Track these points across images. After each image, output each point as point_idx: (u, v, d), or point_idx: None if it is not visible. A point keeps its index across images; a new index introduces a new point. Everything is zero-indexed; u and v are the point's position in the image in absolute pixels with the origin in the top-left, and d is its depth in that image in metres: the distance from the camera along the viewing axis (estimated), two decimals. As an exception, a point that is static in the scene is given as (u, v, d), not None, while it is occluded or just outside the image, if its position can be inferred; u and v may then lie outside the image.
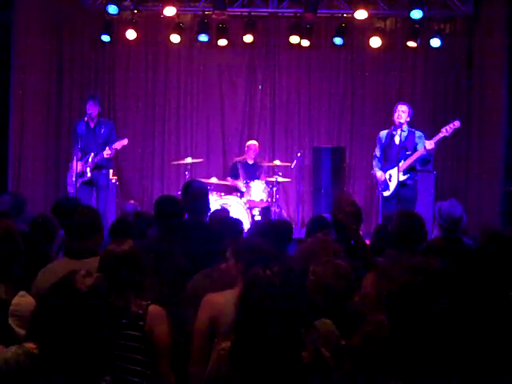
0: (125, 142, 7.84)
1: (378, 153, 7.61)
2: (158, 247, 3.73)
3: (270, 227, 4.29)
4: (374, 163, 7.63)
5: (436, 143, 7.25)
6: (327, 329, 2.64)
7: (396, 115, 7.30)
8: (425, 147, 7.14)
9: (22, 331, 2.68)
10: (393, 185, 7.30)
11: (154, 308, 2.84)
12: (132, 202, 7.63)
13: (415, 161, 7.27)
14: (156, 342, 2.78)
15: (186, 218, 4.46)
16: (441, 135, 7.24)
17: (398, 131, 7.26)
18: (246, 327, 2.20)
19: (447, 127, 7.22)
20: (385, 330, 2.19)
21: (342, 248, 3.66)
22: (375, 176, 7.56)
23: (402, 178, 7.17)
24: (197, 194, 4.71)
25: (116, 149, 7.81)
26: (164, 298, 3.16)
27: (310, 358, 2.21)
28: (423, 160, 7.33)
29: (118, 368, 2.74)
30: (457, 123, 7.23)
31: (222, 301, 2.96)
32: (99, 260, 2.98)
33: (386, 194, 7.39)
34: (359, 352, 2.27)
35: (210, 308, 2.99)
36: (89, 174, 7.81)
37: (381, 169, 7.52)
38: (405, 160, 7.17)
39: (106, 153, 7.73)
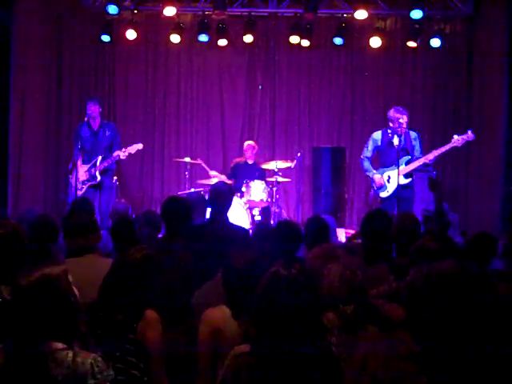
0: (140, 146, 7.90)
1: (368, 153, 7.63)
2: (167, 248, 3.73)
3: (279, 231, 4.30)
4: (366, 165, 7.63)
5: (442, 153, 7.29)
6: (330, 321, 2.68)
7: (401, 123, 7.26)
8: (431, 154, 7.19)
9: None
10: (391, 186, 7.35)
11: (148, 312, 2.86)
12: (123, 200, 7.66)
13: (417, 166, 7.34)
14: (147, 345, 2.78)
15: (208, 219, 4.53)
16: (450, 145, 7.25)
17: (396, 136, 7.28)
18: (269, 327, 2.20)
19: (459, 138, 7.22)
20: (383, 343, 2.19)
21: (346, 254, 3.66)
22: (372, 179, 7.57)
23: (404, 181, 7.22)
24: (219, 194, 4.79)
25: (130, 153, 7.85)
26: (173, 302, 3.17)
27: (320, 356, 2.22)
28: (423, 164, 7.39)
29: (117, 370, 2.74)
30: (470, 135, 7.22)
31: (221, 314, 2.95)
32: (113, 262, 3.01)
33: (384, 194, 7.44)
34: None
35: (210, 322, 2.95)
36: (99, 178, 7.82)
37: (374, 168, 7.55)
38: (405, 164, 7.20)
39: (124, 154, 7.77)
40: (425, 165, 7.34)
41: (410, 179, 7.33)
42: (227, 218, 4.87)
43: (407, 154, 7.35)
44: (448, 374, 1.82)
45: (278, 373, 2.16)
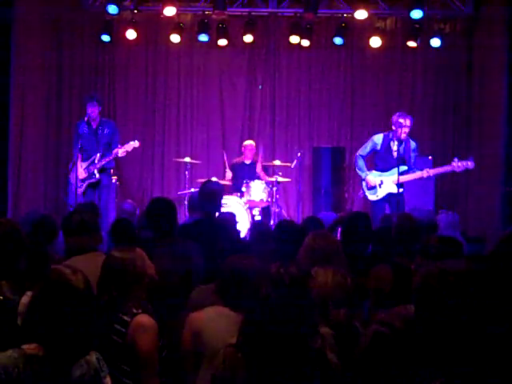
0: (136, 144, 7.88)
1: (363, 152, 7.70)
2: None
3: (279, 231, 4.31)
4: (360, 163, 7.68)
5: (439, 174, 7.38)
6: (325, 332, 2.66)
7: (402, 130, 7.30)
8: (427, 172, 7.26)
9: None
10: (382, 192, 7.45)
11: (141, 318, 2.80)
12: (130, 201, 7.67)
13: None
14: (137, 352, 2.74)
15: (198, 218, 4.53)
16: (449, 168, 7.31)
17: (396, 142, 7.33)
18: (252, 323, 2.21)
19: (459, 164, 7.25)
20: (382, 338, 2.18)
21: (341, 245, 3.67)
22: (364, 179, 7.61)
23: (396, 190, 7.31)
24: (209, 195, 4.79)
25: (127, 150, 7.84)
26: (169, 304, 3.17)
27: (316, 362, 2.22)
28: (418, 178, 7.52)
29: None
30: (471, 164, 7.25)
31: (203, 316, 2.95)
32: (102, 264, 2.99)
33: (372, 198, 7.54)
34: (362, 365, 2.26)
35: (191, 326, 2.95)
36: (97, 176, 7.82)
37: (367, 169, 7.61)
38: (400, 174, 7.21)
39: (122, 152, 7.76)
40: (420, 179, 7.45)
41: (401, 189, 7.36)
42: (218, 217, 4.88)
43: (404, 164, 7.40)
44: (465, 371, 1.81)
45: (260, 366, 2.17)
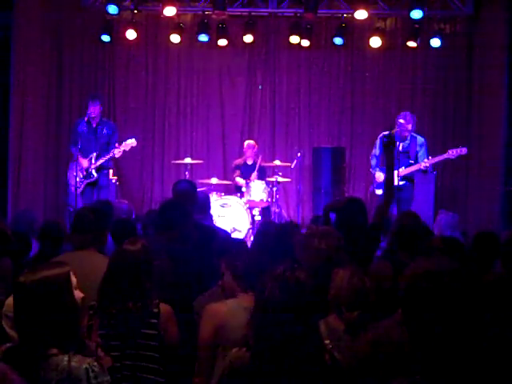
0: (134, 142, 7.89)
1: (377, 152, 8.01)
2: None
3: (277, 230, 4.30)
4: (373, 162, 8.12)
5: (435, 163, 7.78)
6: (334, 323, 2.71)
7: (402, 129, 7.55)
8: (424, 162, 7.48)
9: (13, 333, 2.64)
10: None
11: (164, 306, 2.88)
12: (125, 201, 7.71)
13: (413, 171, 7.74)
14: (168, 339, 2.82)
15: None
16: (445, 156, 7.75)
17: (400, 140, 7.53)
18: (259, 326, 2.22)
19: (454, 150, 7.75)
20: (396, 333, 2.19)
21: (341, 237, 3.66)
22: (373, 175, 8.05)
23: (400, 183, 7.46)
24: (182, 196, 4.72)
25: (124, 150, 7.85)
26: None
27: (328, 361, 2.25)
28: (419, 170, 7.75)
29: (134, 367, 2.77)
30: (464, 150, 7.77)
31: (225, 309, 2.94)
32: (110, 258, 3.00)
33: (379, 192, 7.89)
34: (368, 356, 2.27)
35: (213, 318, 2.93)
36: (95, 175, 7.84)
37: (378, 166, 7.96)
38: (405, 167, 7.48)
39: (119, 151, 7.78)
40: (420, 170, 7.66)
41: (403, 182, 7.57)
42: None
43: (409, 158, 7.59)
44: (442, 369, 1.82)
45: (265, 365, 2.18)
